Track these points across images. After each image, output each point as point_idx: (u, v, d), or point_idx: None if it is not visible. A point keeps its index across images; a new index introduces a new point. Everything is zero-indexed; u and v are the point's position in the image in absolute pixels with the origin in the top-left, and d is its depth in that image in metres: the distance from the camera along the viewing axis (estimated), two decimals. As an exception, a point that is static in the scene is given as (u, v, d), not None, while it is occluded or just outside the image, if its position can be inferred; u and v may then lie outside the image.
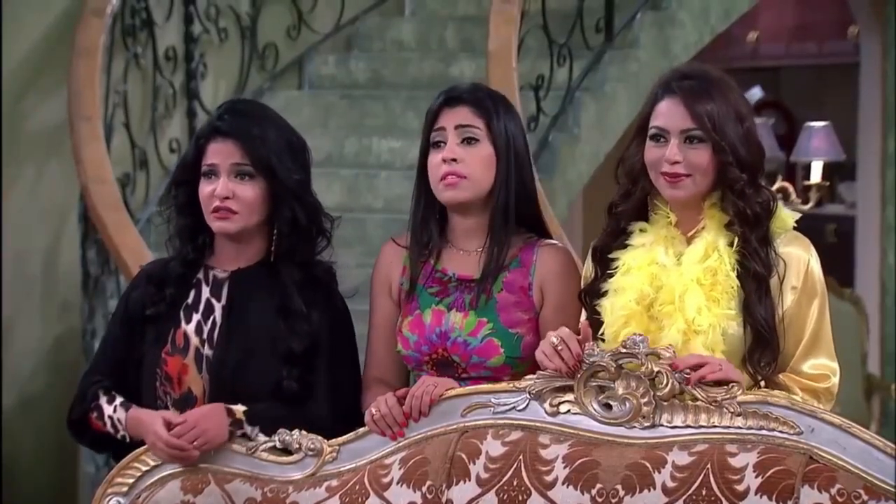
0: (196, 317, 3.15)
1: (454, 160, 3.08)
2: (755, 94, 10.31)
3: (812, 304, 2.89)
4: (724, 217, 2.91)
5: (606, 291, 2.96)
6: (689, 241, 2.93)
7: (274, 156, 3.10)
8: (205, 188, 3.11)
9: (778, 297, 2.87)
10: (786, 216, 2.94)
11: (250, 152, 3.09)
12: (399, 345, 3.15)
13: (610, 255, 2.98)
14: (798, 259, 2.89)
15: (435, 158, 3.11)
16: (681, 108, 2.88)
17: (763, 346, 2.85)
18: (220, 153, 3.11)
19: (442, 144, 3.11)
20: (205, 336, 3.13)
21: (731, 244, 2.88)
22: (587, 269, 3.04)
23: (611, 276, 2.96)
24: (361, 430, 3.02)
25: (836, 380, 2.91)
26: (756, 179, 2.90)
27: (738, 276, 2.87)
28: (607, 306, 2.94)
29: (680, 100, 2.88)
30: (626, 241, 2.97)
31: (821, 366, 2.90)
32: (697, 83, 2.89)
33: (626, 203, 2.98)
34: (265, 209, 3.12)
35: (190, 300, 3.17)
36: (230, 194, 3.09)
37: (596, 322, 2.96)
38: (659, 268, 2.92)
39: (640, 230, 2.97)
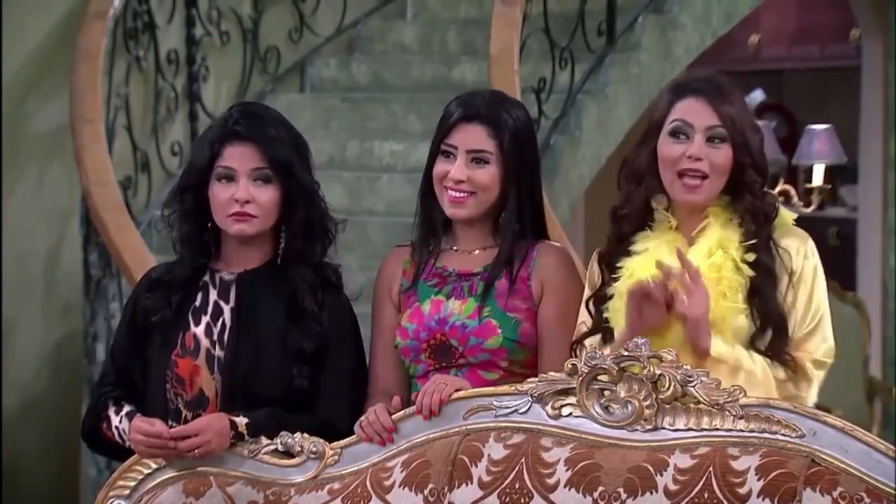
0: (205, 319, 3.15)
1: (462, 181, 3.10)
2: (757, 96, 10.29)
3: (807, 285, 2.94)
4: (726, 216, 2.95)
5: (612, 296, 2.98)
6: (691, 242, 2.96)
7: (290, 158, 3.10)
8: (221, 192, 3.10)
9: (782, 287, 2.91)
10: (784, 213, 3.01)
11: (269, 156, 3.09)
12: (398, 337, 3.15)
13: (615, 262, 3.00)
14: (796, 249, 2.95)
15: (442, 168, 3.13)
16: (706, 106, 2.92)
17: (775, 337, 2.90)
18: (239, 157, 3.09)
19: (452, 157, 3.12)
20: (215, 338, 3.13)
21: (736, 241, 2.92)
22: (594, 276, 3.06)
23: (616, 280, 2.99)
24: (363, 432, 3.04)
25: (828, 358, 2.95)
26: (766, 184, 2.97)
27: (744, 272, 2.90)
28: (613, 309, 2.97)
29: (704, 99, 2.92)
30: (630, 248, 3.00)
31: (817, 340, 2.95)
32: (716, 87, 2.94)
33: (628, 207, 3.01)
34: (280, 212, 3.13)
35: (197, 303, 3.16)
36: (251, 198, 3.09)
37: (604, 329, 2.99)
38: None
39: (644, 237, 3.00)
